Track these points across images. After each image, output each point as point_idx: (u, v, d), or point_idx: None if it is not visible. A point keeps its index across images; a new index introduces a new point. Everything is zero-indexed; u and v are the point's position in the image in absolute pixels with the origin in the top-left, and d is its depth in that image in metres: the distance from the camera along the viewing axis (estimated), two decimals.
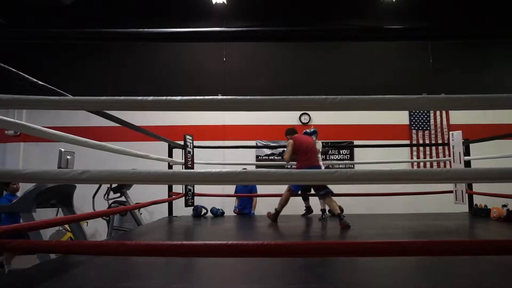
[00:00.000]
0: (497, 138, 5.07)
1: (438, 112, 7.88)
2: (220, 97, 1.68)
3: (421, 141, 7.83)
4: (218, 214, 5.32)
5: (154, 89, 7.70)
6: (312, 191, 5.03)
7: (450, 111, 7.85)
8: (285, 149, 4.97)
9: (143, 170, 1.58)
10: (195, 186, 5.16)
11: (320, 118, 7.76)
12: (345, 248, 1.51)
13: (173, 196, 5.02)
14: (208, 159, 6.09)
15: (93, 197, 6.21)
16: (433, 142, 7.80)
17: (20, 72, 1.86)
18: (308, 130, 5.13)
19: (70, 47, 7.87)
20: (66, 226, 5.74)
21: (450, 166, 5.13)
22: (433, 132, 7.88)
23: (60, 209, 4.84)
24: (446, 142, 7.00)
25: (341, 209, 4.61)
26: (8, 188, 5.07)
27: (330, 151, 7.68)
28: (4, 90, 1.67)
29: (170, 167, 4.97)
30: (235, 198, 6.21)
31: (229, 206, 6.29)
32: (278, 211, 4.49)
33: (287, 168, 7.03)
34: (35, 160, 7.66)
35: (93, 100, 1.69)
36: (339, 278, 2.00)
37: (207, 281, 2.02)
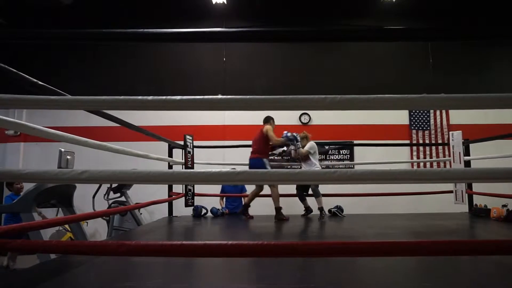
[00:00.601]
0: (497, 138, 5.07)
1: (438, 112, 7.88)
2: (220, 97, 1.68)
3: (421, 141, 7.83)
4: (218, 214, 5.32)
5: (154, 89, 7.70)
6: (310, 192, 5.03)
7: (450, 111, 7.85)
8: (284, 148, 4.97)
9: (143, 170, 1.58)
10: (195, 186, 5.16)
11: (320, 118, 7.77)
12: (345, 248, 1.51)
13: (173, 196, 5.02)
14: (208, 159, 6.09)
15: (93, 197, 6.21)
16: (433, 142, 7.80)
17: (20, 72, 1.86)
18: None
19: (70, 47, 7.86)
20: (66, 226, 5.73)
21: (450, 166, 5.13)
22: (433, 132, 7.88)
23: (60, 209, 4.84)
24: (446, 142, 7.00)
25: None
26: (13, 188, 5.07)
27: (330, 151, 7.69)
28: (4, 90, 1.67)
29: (170, 167, 4.97)
30: (219, 198, 6.15)
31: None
32: (279, 208, 4.59)
33: (287, 168, 7.03)
34: (35, 160, 7.66)
35: (93, 100, 1.69)
36: (339, 278, 2.00)
37: (207, 281, 2.02)
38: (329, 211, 5.20)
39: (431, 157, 7.63)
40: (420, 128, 7.90)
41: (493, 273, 2.02)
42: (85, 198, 5.92)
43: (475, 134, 5.71)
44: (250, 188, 6.78)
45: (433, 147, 7.67)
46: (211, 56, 8.33)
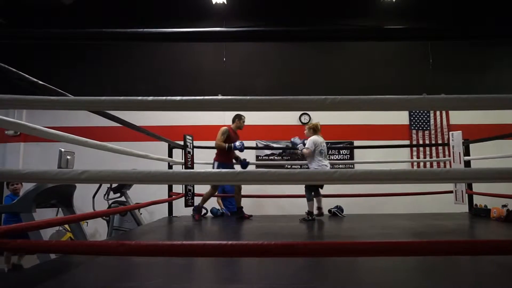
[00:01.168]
0: (497, 138, 5.07)
1: (438, 112, 7.87)
2: (220, 97, 1.68)
3: (421, 141, 7.83)
4: (218, 214, 5.32)
5: (154, 89, 7.69)
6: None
7: (450, 111, 7.84)
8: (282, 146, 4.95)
9: (143, 170, 1.58)
10: (195, 186, 5.16)
11: (320, 118, 7.74)
12: (345, 248, 1.51)
13: (173, 196, 5.02)
14: (208, 159, 6.09)
15: (93, 197, 6.21)
16: (433, 142, 7.80)
17: (20, 72, 1.86)
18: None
19: (70, 47, 7.86)
20: (66, 226, 5.73)
21: (450, 166, 5.13)
22: (433, 132, 7.88)
23: (60, 209, 4.84)
24: (446, 142, 7.00)
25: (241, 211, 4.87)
26: (9, 188, 5.06)
27: (330, 151, 7.69)
28: (4, 90, 1.67)
29: (170, 167, 4.97)
30: (216, 199, 6.10)
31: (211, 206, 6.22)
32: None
33: (287, 168, 7.04)
34: (35, 160, 7.66)
35: (93, 100, 1.69)
36: (339, 278, 2.00)
37: (207, 281, 2.02)
38: (329, 211, 5.20)
39: (431, 157, 7.63)
40: (420, 128, 7.90)
41: (493, 273, 2.01)
42: (85, 198, 5.91)
43: (475, 134, 5.71)
44: (249, 188, 6.77)
45: (433, 147, 7.67)
46: (211, 56, 8.32)
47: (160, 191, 5.59)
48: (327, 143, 4.85)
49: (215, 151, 4.87)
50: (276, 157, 7.74)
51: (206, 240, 1.45)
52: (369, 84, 7.66)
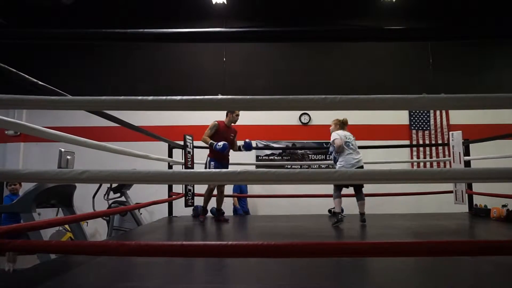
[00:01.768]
0: (497, 138, 5.07)
1: (438, 112, 7.88)
2: (220, 97, 1.68)
3: (421, 141, 7.83)
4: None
5: (154, 89, 7.70)
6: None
7: (450, 111, 7.84)
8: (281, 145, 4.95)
9: (143, 170, 1.58)
10: (195, 186, 5.16)
11: (320, 118, 7.75)
12: (345, 248, 1.51)
13: (173, 196, 5.02)
14: None
15: (93, 197, 6.21)
16: (433, 142, 7.80)
17: (20, 72, 1.86)
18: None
19: (70, 47, 7.86)
20: (66, 226, 5.73)
21: (450, 166, 5.13)
22: (433, 132, 7.88)
23: (60, 209, 4.84)
24: (446, 142, 7.00)
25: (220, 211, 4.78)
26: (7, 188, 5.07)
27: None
28: (4, 90, 1.67)
29: (170, 167, 4.97)
30: (232, 200, 6.19)
31: (229, 207, 6.28)
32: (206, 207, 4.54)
33: (287, 168, 7.04)
34: (35, 160, 7.66)
35: (93, 100, 1.69)
36: (340, 278, 2.00)
37: (207, 281, 2.02)
38: (329, 211, 5.20)
39: (431, 157, 7.63)
40: (420, 128, 7.90)
41: (493, 273, 2.01)
42: (85, 198, 5.91)
43: (475, 134, 5.71)
44: (250, 189, 6.81)
45: (433, 147, 7.67)
46: (211, 56, 8.32)
47: (160, 191, 5.59)
48: (327, 143, 4.84)
49: None
50: (276, 157, 7.74)
51: (206, 241, 1.45)
52: (369, 84, 7.66)
